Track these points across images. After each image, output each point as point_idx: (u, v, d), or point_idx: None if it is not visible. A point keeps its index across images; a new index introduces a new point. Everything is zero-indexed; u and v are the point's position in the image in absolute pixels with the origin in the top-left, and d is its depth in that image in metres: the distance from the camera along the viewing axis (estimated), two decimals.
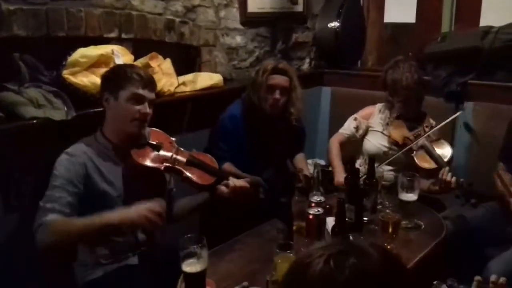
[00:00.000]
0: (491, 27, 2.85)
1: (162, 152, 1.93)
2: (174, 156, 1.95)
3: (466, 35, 2.96)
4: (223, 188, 1.99)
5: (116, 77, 1.83)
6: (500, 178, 2.29)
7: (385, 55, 3.68)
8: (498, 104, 2.77)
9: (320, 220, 1.74)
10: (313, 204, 1.81)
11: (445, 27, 3.25)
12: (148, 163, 1.86)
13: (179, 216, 2.09)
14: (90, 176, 1.77)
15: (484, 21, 3.10)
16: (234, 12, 2.98)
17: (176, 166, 1.91)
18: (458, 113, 2.58)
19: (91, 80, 2.16)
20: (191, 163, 1.96)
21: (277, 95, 2.41)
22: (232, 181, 1.98)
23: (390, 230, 1.74)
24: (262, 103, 2.41)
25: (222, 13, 2.92)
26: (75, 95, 2.12)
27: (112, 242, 1.82)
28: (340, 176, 2.51)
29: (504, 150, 2.39)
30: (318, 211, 1.74)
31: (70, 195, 1.69)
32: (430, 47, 3.06)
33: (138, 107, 1.81)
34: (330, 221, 1.85)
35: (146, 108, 1.83)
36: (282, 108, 2.46)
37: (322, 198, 1.84)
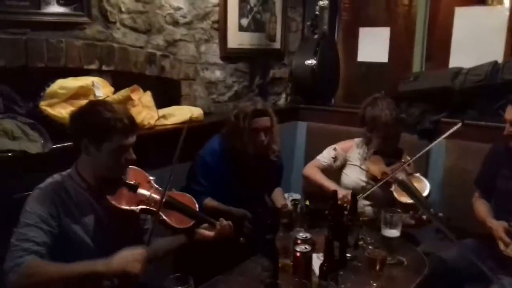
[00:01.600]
0: (461, 68, 2.99)
1: (139, 193, 1.82)
2: (152, 197, 1.85)
3: (438, 75, 3.09)
4: (204, 232, 1.94)
5: (99, 127, 1.66)
6: (475, 210, 2.36)
7: (358, 93, 3.78)
8: (469, 142, 2.85)
9: (307, 258, 1.71)
10: (299, 241, 1.78)
11: (416, 67, 3.38)
12: (123, 205, 1.75)
13: (154, 259, 1.94)
14: (61, 216, 1.65)
15: (453, 62, 3.24)
16: (215, 47, 3.01)
17: (153, 208, 1.80)
18: (458, 125, 2.41)
19: (69, 112, 2.11)
20: (169, 205, 1.87)
21: (262, 137, 2.40)
22: (219, 225, 1.94)
23: (377, 267, 1.73)
24: (246, 147, 2.39)
25: (203, 48, 2.94)
26: (53, 128, 2.07)
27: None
28: (341, 190, 2.40)
29: (480, 177, 2.46)
30: (306, 248, 1.72)
31: (46, 234, 1.58)
32: (403, 86, 3.17)
33: (123, 156, 1.72)
34: (315, 258, 1.83)
35: (132, 155, 1.74)
36: (267, 148, 2.46)
37: (308, 235, 1.82)
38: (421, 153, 2.53)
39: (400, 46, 3.56)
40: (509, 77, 2.75)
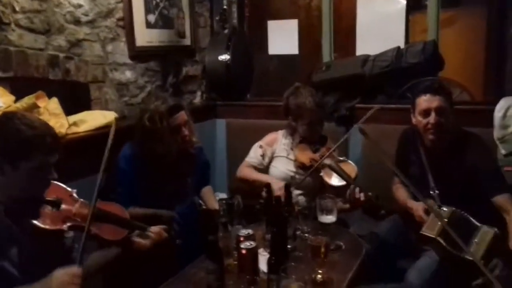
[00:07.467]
0: (368, 55, 3.13)
1: (63, 209, 1.66)
2: (78, 211, 1.70)
3: (347, 63, 3.21)
4: (139, 241, 1.82)
5: (16, 146, 1.46)
6: (395, 196, 2.47)
7: (271, 86, 3.80)
8: (382, 125, 2.99)
9: (253, 254, 1.66)
10: (242, 238, 1.72)
11: (326, 56, 3.47)
12: (49, 225, 1.59)
13: (87, 277, 1.80)
14: None
15: (359, 50, 3.39)
16: (122, 46, 2.83)
17: (82, 224, 1.64)
18: (373, 110, 2.57)
19: None
20: (99, 217, 1.72)
21: (185, 132, 2.34)
22: (153, 231, 1.84)
23: (321, 254, 1.72)
24: (170, 148, 2.29)
25: (110, 48, 2.74)
26: None
27: None
28: (277, 184, 2.40)
29: (396, 165, 2.56)
30: (250, 244, 1.66)
31: None
32: (316, 76, 3.24)
33: (43, 174, 1.53)
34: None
35: (53, 174, 1.56)
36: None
37: (250, 231, 1.77)
38: (343, 138, 2.62)
39: (308, 37, 3.64)
40: (413, 60, 2.93)
